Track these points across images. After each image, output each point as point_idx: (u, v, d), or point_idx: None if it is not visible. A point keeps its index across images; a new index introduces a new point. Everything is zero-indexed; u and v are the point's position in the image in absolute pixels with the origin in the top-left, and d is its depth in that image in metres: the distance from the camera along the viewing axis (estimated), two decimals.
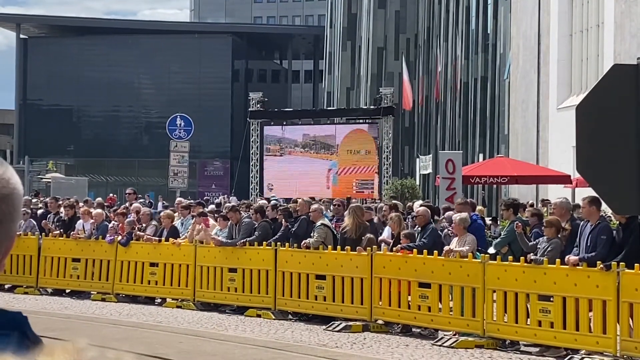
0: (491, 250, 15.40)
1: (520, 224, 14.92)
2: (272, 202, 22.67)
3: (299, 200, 19.69)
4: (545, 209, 25.42)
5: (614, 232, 13.61)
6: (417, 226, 16.91)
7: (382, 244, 16.79)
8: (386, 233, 17.55)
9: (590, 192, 12.38)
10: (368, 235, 16.62)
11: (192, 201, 25.58)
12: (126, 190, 26.86)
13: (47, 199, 26.78)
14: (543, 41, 43.35)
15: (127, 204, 24.11)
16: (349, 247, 16.27)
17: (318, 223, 17.28)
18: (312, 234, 17.17)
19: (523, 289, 13.83)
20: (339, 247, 16.63)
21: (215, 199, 44.30)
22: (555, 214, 14.92)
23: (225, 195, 44.89)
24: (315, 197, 27.03)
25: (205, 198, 41.82)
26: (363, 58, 74.05)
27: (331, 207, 21.41)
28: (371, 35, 72.33)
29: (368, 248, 16.04)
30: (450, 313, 14.84)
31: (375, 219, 19.68)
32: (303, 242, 17.11)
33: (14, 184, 1.70)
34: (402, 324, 15.70)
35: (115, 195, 39.89)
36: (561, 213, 14.71)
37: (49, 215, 22.72)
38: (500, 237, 15.72)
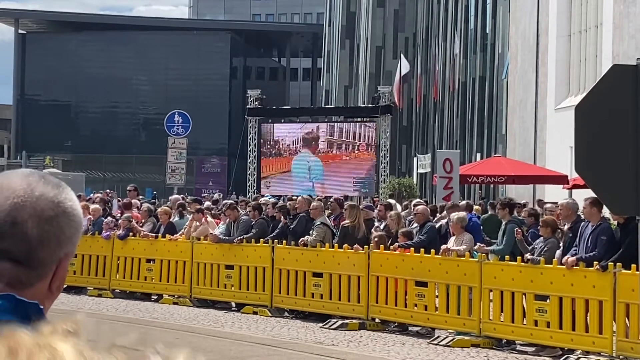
0: (492, 257, 15.36)
1: (520, 230, 14.87)
2: (263, 200, 22.67)
3: (299, 198, 19.69)
4: (541, 209, 25.41)
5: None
6: (413, 223, 16.92)
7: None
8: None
9: (588, 192, 12.40)
10: (378, 233, 16.55)
11: (184, 197, 25.60)
12: (127, 187, 26.83)
13: None
14: (541, 41, 43.36)
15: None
16: (346, 245, 16.27)
17: (317, 221, 17.28)
18: (311, 232, 17.17)
19: (520, 288, 13.84)
20: (336, 245, 16.63)
21: (212, 196, 44.25)
22: (562, 214, 14.86)
23: (221, 193, 44.84)
24: (312, 195, 27.01)
25: (202, 195, 41.79)
26: (361, 56, 74.05)
27: (328, 205, 21.39)
28: (370, 33, 72.33)
29: (365, 246, 16.04)
30: (447, 312, 14.85)
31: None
32: (301, 239, 17.11)
33: (64, 208, 1.70)
34: (398, 322, 15.71)
35: (111, 191, 39.82)
36: (567, 214, 14.67)
37: None
38: (503, 245, 15.46)
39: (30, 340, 1.07)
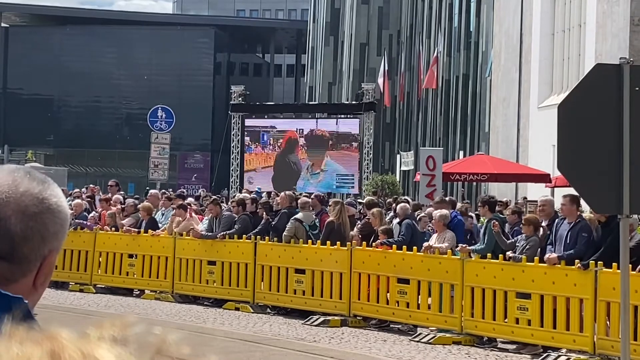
0: (473, 256, 15.38)
1: (497, 222, 14.90)
2: (253, 195, 22.65)
3: (281, 194, 19.70)
4: (526, 206, 25.48)
5: (594, 230, 13.68)
6: (392, 221, 16.97)
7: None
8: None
9: (570, 191, 12.44)
10: (352, 232, 16.62)
11: (165, 192, 25.53)
12: (109, 183, 26.71)
13: None
14: (525, 40, 43.47)
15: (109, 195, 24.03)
16: (329, 242, 16.29)
17: (293, 218, 17.36)
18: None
19: (501, 286, 13.89)
20: (318, 241, 16.64)
21: (196, 191, 44.20)
22: (546, 210, 14.89)
23: (204, 189, 44.75)
24: (295, 192, 27.02)
25: (180, 190, 41.61)
26: (345, 53, 74.04)
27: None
28: (354, 30, 72.32)
29: (348, 243, 16.08)
30: (429, 309, 14.88)
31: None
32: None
33: (49, 204, 1.70)
34: (380, 319, 15.73)
35: (96, 186, 39.66)
36: (550, 211, 14.76)
37: None
38: (485, 245, 15.43)
39: (74, 347, 1.04)
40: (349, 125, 43.61)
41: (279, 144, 44.06)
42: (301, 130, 43.84)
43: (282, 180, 41.17)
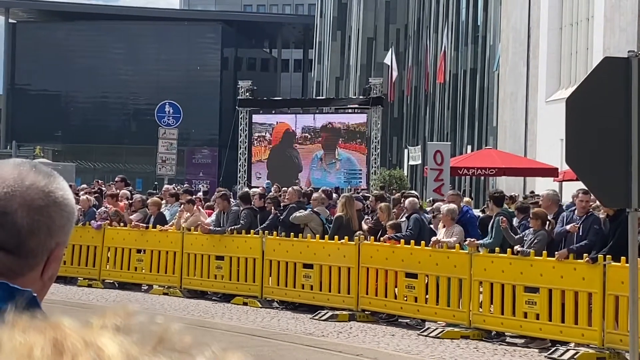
0: (481, 250, 15.36)
1: (505, 218, 14.85)
2: (261, 190, 22.63)
3: (289, 189, 19.70)
4: (533, 200, 25.40)
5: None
6: (402, 215, 16.96)
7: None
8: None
9: (578, 185, 12.43)
10: (359, 232, 16.63)
11: (175, 187, 25.54)
12: (115, 178, 26.74)
13: None
14: (533, 34, 43.40)
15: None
16: (337, 237, 16.29)
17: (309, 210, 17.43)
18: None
19: (509, 280, 13.88)
20: (326, 236, 16.64)
21: (203, 187, 44.17)
22: (543, 205, 14.94)
23: (205, 184, 44.74)
24: (302, 187, 27.03)
25: (185, 185, 41.62)
26: (353, 48, 74.03)
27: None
28: (361, 25, 72.30)
29: (355, 238, 16.08)
30: (437, 304, 14.88)
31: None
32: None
33: (55, 197, 1.69)
34: (388, 313, 15.73)
35: (102, 182, 39.70)
36: (548, 205, 14.74)
37: None
38: (493, 239, 15.38)
39: (77, 335, 1.04)
40: (356, 120, 43.60)
41: (267, 138, 44.02)
42: (309, 123, 43.81)
43: (278, 174, 41.05)
